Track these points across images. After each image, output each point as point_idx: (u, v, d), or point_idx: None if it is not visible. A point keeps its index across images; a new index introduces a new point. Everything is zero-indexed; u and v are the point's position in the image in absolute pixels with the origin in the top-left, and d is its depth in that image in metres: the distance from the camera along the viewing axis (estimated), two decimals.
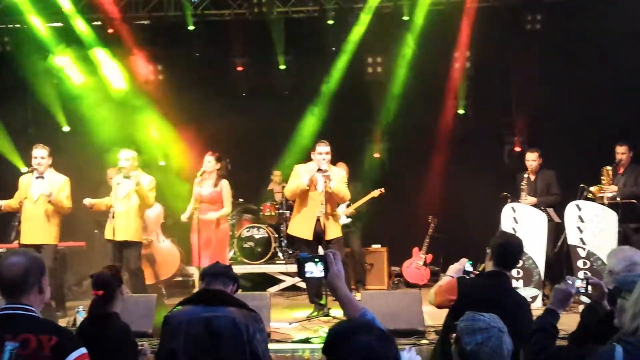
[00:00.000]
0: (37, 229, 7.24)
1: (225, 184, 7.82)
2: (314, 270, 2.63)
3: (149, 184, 7.57)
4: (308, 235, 7.23)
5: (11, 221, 7.73)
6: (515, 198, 8.08)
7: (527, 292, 7.31)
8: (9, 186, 7.78)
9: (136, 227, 7.54)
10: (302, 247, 7.41)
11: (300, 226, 7.36)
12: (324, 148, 7.22)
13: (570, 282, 3.46)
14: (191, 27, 10.07)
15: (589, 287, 3.54)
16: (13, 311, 2.79)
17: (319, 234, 7.15)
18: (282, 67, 10.42)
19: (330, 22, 9.89)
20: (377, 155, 10.47)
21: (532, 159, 8.24)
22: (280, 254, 9.46)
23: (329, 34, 10.03)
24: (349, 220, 8.83)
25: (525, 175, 8.23)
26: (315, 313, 7.24)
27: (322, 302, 7.26)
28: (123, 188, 7.45)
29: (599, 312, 3.52)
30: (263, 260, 9.24)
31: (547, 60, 9.68)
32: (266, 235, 9.28)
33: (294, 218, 7.57)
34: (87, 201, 7.46)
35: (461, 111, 10.21)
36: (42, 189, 7.24)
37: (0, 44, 10.31)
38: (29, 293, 2.83)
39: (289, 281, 9.14)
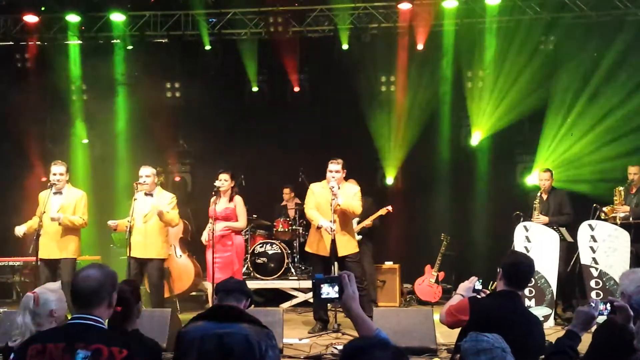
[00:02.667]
0: (55, 244, 7.34)
1: (239, 200, 7.89)
2: (330, 291, 2.65)
3: (171, 202, 7.63)
4: (323, 251, 7.29)
5: (29, 235, 7.84)
6: (528, 217, 8.10)
7: (539, 312, 7.30)
8: (30, 195, 7.88)
9: (161, 244, 7.63)
10: (317, 263, 7.47)
11: (315, 243, 7.45)
12: (334, 166, 7.34)
13: (593, 304, 3.43)
14: (207, 47, 10.21)
15: (609, 308, 3.48)
16: (85, 321, 2.89)
17: (335, 250, 7.22)
18: (297, 89, 10.52)
19: (345, 46, 10.00)
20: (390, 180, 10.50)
21: (544, 178, 8.27)
22: (293, 270, 9.50)
23: (343, 53, 10.13)
24: (360, 237, 8.86)
25: (538, 194, 8.26)
26: (318, 328, 7.31)
27: (328, 319, 7.34)
28: (144, 205, 7.53)
29: (623, 335, 3.48)
30: (276, 276, 9.28)
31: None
32: (279, 251, 9.33)
33: (310, 235, 7.68)
34: (112, 223, 7.50)
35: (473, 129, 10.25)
36: (57, 206, 7.36)
37: (20, 60, 10.52)
38: (100, 305, 2.94)
39: (301, 297, 9.17)
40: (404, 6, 9.51)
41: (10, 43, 10.34)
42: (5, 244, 9.52)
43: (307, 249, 7.72)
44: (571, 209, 8.14)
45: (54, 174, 7.39)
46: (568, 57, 9.58)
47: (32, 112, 10.44)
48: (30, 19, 9.88)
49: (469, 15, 9.60)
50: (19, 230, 7.32)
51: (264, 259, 9.33)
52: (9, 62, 10.50)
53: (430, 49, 9.89)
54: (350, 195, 7.39)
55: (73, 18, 9.92)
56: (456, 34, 9.78)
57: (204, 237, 7.74)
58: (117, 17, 9.93)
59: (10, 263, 9.39)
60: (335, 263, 7.28)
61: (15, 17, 9.96)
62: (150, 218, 7.50)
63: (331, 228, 7.16)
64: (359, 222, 8.73)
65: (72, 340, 2.77)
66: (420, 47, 9.88)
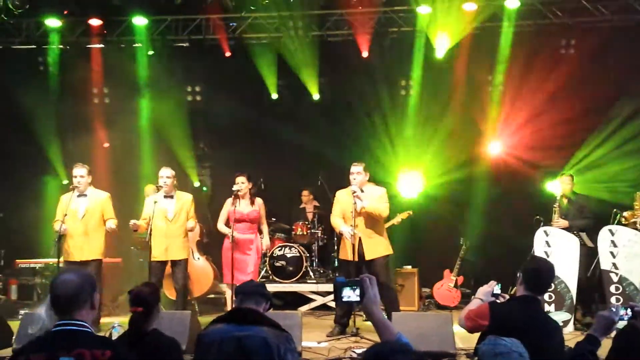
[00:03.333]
0: (83, 246, 7.46)
1: (261, 202, 7.99)
2: (351, 295, 2.65)
3: (191, 204, 7.77)
4: (350, 256, 7.29)
5: (51, 237, 7.94)
6: (548, 221, 8.05)
7: (558, 317, 7.25)
8: (52, 198, 7.98)
9: (183, 245, 7.72)
10: (346, 268, 7.48)
11: (342, 248, 7.49)
12: (354, 168, 7.36)
13: (614, 309, 3.43)
14: (228, 54, 10.25)
15: (629, 313, 3.49)
16: (67, 327, 2.88)
17: (361, 254, 7.22)
18: (316, 92, 10.53)
19: (365, 54, 9.99)
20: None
21: (565, 182, 8.21)
22: (311, 273, 9.52)
23: (363, 57, 10.13)
24: None
25: (557, 199, 8.20)
26: (336, 331, 7.31)
27: (348, 323, 7.35)
28: (167, 207, 7.61)
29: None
30: (294, 279, 9.30)
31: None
32: (298, 254, 9.35)
33: (341, 242, 7.67)
34: (133, 223, 7.55)
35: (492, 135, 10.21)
36: (83, 208, 7.48)
37: (42, 63, 10.65)
38: (81, 309, 2.92)
39: (319, 300, 9.19)
40: (423, 10, 9.48)
41: (33, 46, 10.45)
42: (26, 246, 9.65)
43: (340, 257, 7.71)
44: (592, 213, 8.07)
45: (75, 176, 7.48)
46: (589, 61, 9.49)
47: (53, 115, 10.57)
48: (53, 22, 9.99)
49: (489, 19, 9.54)
50: (57, 226, 7.34)
51: (283, 262, 9.36)
52: (31, 65, 10.63)
53: (448, 53, 9.85)
54: (376, 198, 7.38)
55: (95, 22, 10.01)
56: (476, 37, 9.73)
57: (229, 241, 7.75)
58: (140, 21, 10.00)
59: (32, 265, 9.50)
60: (363, 267, 7.26)
61: (38, 20, 10.07)
62: (175, 221, 7.58)
63: (350, 234, 7.17)
64: None
65: (53, 349, 2.78)
66: (439, 51, 9.84)
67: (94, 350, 2.78)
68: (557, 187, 8.30)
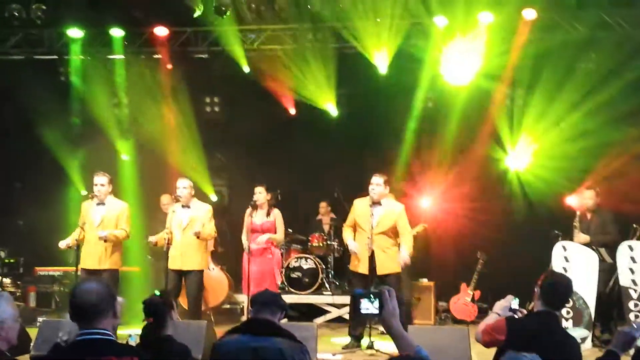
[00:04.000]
0: (98, 255, 7.48)
1: (278, 212, 8.01)
2: (370, 307, 2.60)
3: (207, 214, 7.77)
4: (362, 269, 7.26)
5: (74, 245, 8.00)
6: (566, 236, 7.96)
7: (577, 333, 7.17)
8: (71, 207, 8.05)
9: (201, 255, 7.74)
10: (356, 281, 7.45)
11: (355, 260, 7.45)
12: (375, 179, 7.35)
13: (635, 325, 3.43)
14: (247, 69, 10.29)
15: None
16: (91, 336, 2.87)
17: (373, 269, 7.20)
18: (335, 109, 10.54)
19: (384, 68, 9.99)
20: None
21: (588, 196, 8.10)
22: (327, 285, 9.51)
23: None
24: None
25: (578, 213, 8.11)
26: (352, 344, 7.28)
27: (362, 336, 7.32)
28: (182, 217, 7.65)
29: None
30: (310, 290, 9.30)
31: None
32: (314, 266, 9.35)
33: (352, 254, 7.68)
34: (152, 239, 7.63)
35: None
36: (100, 216, 7.53)
37: (63, 73, 10.78)
38: (104, 318, 2.92)
39: (335, 312, 9.17)
40: (440, 21, 9.39)
41: (54, 57, 10.58)
42: (45, 253, 9.73)
43: (350, 267, 7.69)
44: (615, 229, 7.93)
45: (96, 185, 7.55)
46: (610, 75, 9.42)
47: (74, 126, 10.69)
48: (75, 33, 10.09)
49: (503, 31, 9.46)
50: (63, 243, 7.46)
51: (299, 274, 9.35)
52: (52, 75, 10.76)
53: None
54: (396, 215, 7.35)
55: (117, 32, 10.07)
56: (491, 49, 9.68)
57: (247, 251, 7.76)
58: (160, 32, 10.00)
59: (51, 273, 9.59)
60: (375, 280, 7.25)
61: (59, 31, 10.19)
62: (188, 230, 7.62)
63: (356, 250, 7.27)
64: None
65: (81, 357, 2.79)
66: (458, 66, 9.75)
67: (123, 357, 2.81)
68: (577, 200, 8.20)
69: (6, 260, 9.96)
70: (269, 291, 3.88)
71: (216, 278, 9.26)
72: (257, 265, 7.80)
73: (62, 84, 10.71)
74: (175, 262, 7.55)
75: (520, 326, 3.92)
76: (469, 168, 9.98)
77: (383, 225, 7.31)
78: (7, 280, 9.82)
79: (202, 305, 8.01)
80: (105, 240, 7.41)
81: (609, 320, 7.96)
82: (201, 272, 7.83)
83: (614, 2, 9.09)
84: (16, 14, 9.47)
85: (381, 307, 2.60)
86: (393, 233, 7.41)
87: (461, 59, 9.51)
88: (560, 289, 4.00)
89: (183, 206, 7.68)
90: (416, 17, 9.56)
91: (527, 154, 9.99)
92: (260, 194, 7.85)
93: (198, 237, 7.53)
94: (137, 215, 8.13)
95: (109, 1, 9.95)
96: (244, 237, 7.92)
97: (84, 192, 9.72)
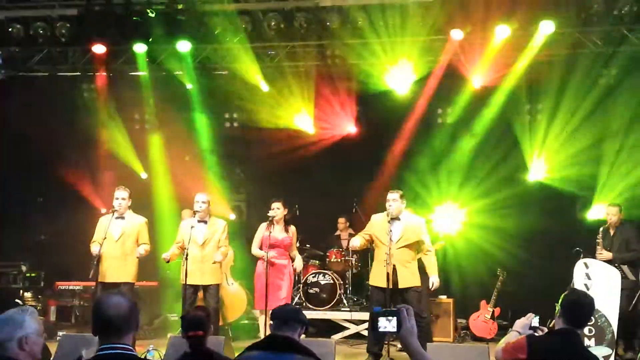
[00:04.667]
0: (117, 268, 7.55)
1: (294, 230, 8.00)
2: (387, 325, 2.59)
3: (223, 230, 7.84)
4: (382, 283, 7.24)
5: (90, 259, 8.05)
6: (588, 253, 7.88)
7: (599, 352, 7.06)
8: (92, 223, 8.11)
9: (214, 271, 7.78)
10: (376, 294, 7.44)
11: (375, 274, 7.46)
12: (390, 195, 7.41)
13: None
14: (266, 89, 10.34)
15: None
16: (116, 350, 2.82)
17: (395, 282, 7.19)
18: (353, 126, 10.53)
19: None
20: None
21: (612, 213, 8.02)
22: (345, 301, 9.48)
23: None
24: None
25: (601, 229, 8.02)
26: None
27: (381, 353, 7.27)
28: (199, 233, 7.69)
29: None
30: (328, 306, 9.27)
31: None
32: (332, 281, 9.32)
33: (373, 266, 7.70)
34: (165, 256, 7.68)
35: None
36: (119, 230, 7.61)
37: (87, 90, 10.89)
38: (129, 333, 2.88)
39: (353, 329, 9.13)
40: (456, 35, 9.33)
41: (78, 73, 10.69)
42: (66, 268, 9.82)
43: (370, 282, 7.67)
44: (639, 246, 7.86)
45: (117, 198, 7.62)
46: (629, 90, 9.36)
47: (97, 142, 10.81)
48: (98, 49, 10.12)
49: (520, 44, 9.41)
50: (95, 249, 7.45)
51: (316, 289, 9.34)
52: (76, 92, 10.89)
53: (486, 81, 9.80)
54: (415, 229, 7.38)
55: (140, 48, 10.09)
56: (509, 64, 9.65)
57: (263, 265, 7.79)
58: (183, 47, 9.99)
59: (71, 287, 9.66)
60: (396, 295, 7.24)
61: (83, 47, 10.28)
62: (207, 246, 7.66)
63: (353, 244, 7.57)
64: None
65: None
66: (476, 81, 9.73)
67: None
68: (600, 216, 8.11)
69: (27, 274, 10.08)
70: (289, 306, 3.89)
71: (235, 293, 9.28)
72: (272, 279, 7.79)
73: (86, 101, 10.84)
74: (193, 277, 7.57)
75: (541, 345, 3.87)
76: (490, 183, 9.94)
77: (406, 239, 7.33)
78: (28, 294, 9.91)
79: (219, 319, 8.01)
80: (137, 257, 7.58)
81: (632, 339, 7.86)
82: (218, 286, 7.87)
83: (635, 19, 9.00)
84: (41, 31, 9.59)
85: (399, 325, 2.59)
86: (414, 247, 7.40)
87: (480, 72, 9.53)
88: (582, 307, 3.96)
89: (199, 221, 7.72)
90: (436, 32, 9.53)
91: (548, 168, 9.93)
92: (278, 210, 7.85)
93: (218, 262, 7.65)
94: (153, 229, 8.20)
95: (130, 19, 9.99)
96: (256, 250, 7.87)
97: (103, 210, 9.76)
